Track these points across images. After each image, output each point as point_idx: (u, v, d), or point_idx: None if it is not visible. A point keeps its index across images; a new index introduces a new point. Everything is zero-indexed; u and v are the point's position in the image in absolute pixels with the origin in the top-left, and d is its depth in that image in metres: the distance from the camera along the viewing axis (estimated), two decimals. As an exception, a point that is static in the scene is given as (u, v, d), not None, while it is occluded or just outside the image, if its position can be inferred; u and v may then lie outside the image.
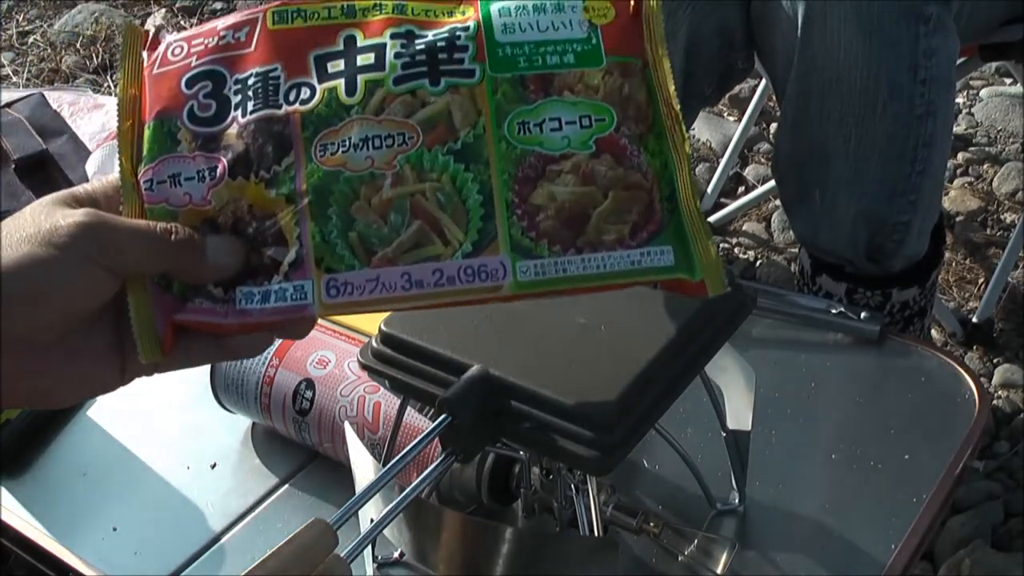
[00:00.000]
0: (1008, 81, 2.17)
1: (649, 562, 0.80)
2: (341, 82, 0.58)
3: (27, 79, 2.34)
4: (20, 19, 2.59)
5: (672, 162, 0.58)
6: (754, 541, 0.82)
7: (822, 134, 1.11)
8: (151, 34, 0.62)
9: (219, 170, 0.57)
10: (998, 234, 1.80)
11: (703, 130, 2.04)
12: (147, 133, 0.59)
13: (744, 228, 1.84)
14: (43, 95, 1.88)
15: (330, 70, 0.58)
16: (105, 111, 1.86)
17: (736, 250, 1.80)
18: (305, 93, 0.58)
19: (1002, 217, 1.84)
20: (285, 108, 0.58)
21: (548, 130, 0.57)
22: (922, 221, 1.17)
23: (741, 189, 1.91)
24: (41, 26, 2.55)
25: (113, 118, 1.85)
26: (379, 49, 0.59)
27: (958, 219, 1.82)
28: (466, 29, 0.59)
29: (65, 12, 2.59)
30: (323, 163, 0.57)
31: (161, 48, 0.62)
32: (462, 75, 0.58)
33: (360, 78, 0.58)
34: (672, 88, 0.58)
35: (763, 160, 1.97)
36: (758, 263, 1.77)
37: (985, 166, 1.96)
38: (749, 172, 1.94)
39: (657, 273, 0.56)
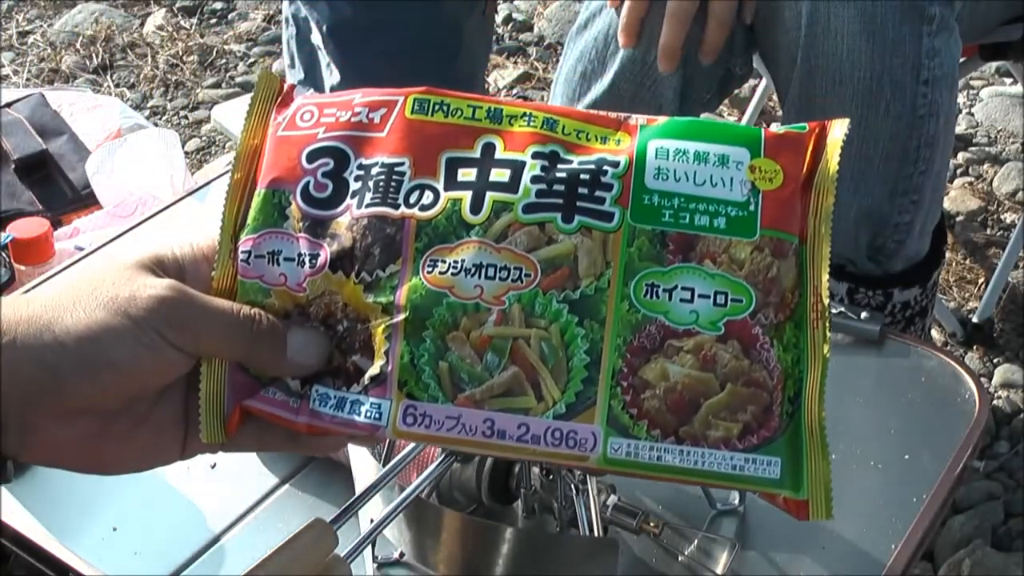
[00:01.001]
0: (1008, 81, 2.17)
1: (649, 562, 0.80)
2: (468, 195, 0.54)
3: (27, 79, 2.34)
4: (20, 19, 2.59)
5: (806, 360, 0.52)
6: (754, 541, 0.82)
7: None
8: (286, 87, 0.59)
9: (320, 259, 0.54)
10: (998, 234, 1.80)
11: (703, 130, 2.03)
12: (256, 200, 0.56)
13: (744, 228, 1.83)
14: (43, 95, 1.88)
15: (460, 177, 0.54)
16: (105, 111, 1.86)
17: (736, 250, 1.80)
18: (428, 198, 0.54)
19: (1002, 217, 1.84)
20: (402, 210, 0.54)
21: (678, 300, 0.52)
22: (924, 221, 1.17)
23: (741, 189, 1.91)
24: (41, 26, 2.56)
25: (113, 117, 1.86)
26: (517, 167, 0.54)
27: (958, 219, 1.82)
28: (616, 164, 0.54)
29: (65, 12, 2.59)
30: (429, 280, 0.53)
31: (292, 108, 0.58)
32: (599, 217, 0.53)
33: (489, 196, 0.53)
34: (825, 277, 0.53)
35: (763, 160, 1.97)
36: (758, 263, 1.77)
37: (985, 166, 1.96)
38: (749, 172, 1.94)
39: (759, 484, 0.51)
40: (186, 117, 2.24)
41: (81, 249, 1.33)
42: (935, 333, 1.60)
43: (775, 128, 0.56)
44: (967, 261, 1.76)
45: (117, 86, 2.34)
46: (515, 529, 0.72)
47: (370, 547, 0.80)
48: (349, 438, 0.55)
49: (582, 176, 0.54)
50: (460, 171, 0.55)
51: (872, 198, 1.13)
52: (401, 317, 0.52)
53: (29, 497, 0.90)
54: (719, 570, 0.77)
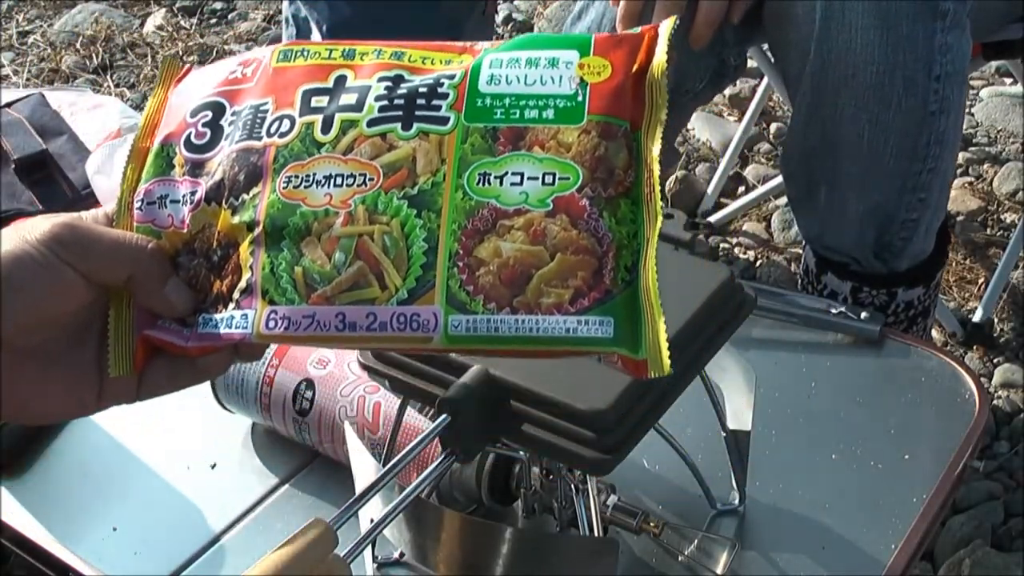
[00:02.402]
0: (1008, 81, 2.17)
1: (649, 562, 0.80)
2: (319, 119, 0.58)
3: (27, 79, 2.34)
4: (20, 19, 2.58)
5: (642, 232, 0.55)
6: (754, 541, 0.82)
7: (835, 129, 1.11)
8: (186, 68, 0.65)
9: (198, 195, 0.59)
10: (998, 234, 1.80)
11: (703, 130, 2.03)
12: (149, 157, 0.61)
13: (744, 228, 1.84)
14: (43, 95, 1.88)
15: (313, 104, 0.59)
16: (105, 111, 1.86)
17: (736, 250, 1.80)
18: (285, 126, 0.59)
19: (1002, 217, 1.84)
20: (264, 140, 0.59)
21: (508, 184, 0.55)
22: (930, 219, 1.17)
23: (741, 189, 1.91)
24: (41, 26, 2.55)
25: (113, 117, 1.87)
26: (362, 91, 0.59)
27: (958, 219, 1.82)
28: (451, 77, 0.58)
29: (65, 12, 2.59)
30: (284, 195, 0.57)
31: (187, 78, 0.64)
32: (435, 122, 0.57)
33: (337, 117, 0.58)
34: (656, 157, 0.55)
35: (763, 160, 1.97)
36: (758, 263, 1.77)
37: (985, 166, 1.96)
38: (749, 172, 1.94)
39: (593, 344, 0.53)
40: (186, 117, 2.24)
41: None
42: (935, 333, 1.60)
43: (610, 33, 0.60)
44: (967, 261, 1.76)
45: (117, 86, 2.34)
46: (515, 529, 0.72)
47: (370, 547, 0.80)
48: (232, 351, 0.59)
49: (420, 89, 0.58)
50: (313, 99, 0.60)
51: (880, 194, 1.13)
52: (260, 230, 0.57)
53: (29, 497, 0.90)
54: (719, 570, 0.77)
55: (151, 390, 0.60)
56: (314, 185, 0.57)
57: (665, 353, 0.53)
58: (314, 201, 0.57)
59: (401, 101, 0.58)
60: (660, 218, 0.54)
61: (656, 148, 0.55)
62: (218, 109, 0.61)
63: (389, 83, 0.59)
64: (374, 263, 0.55)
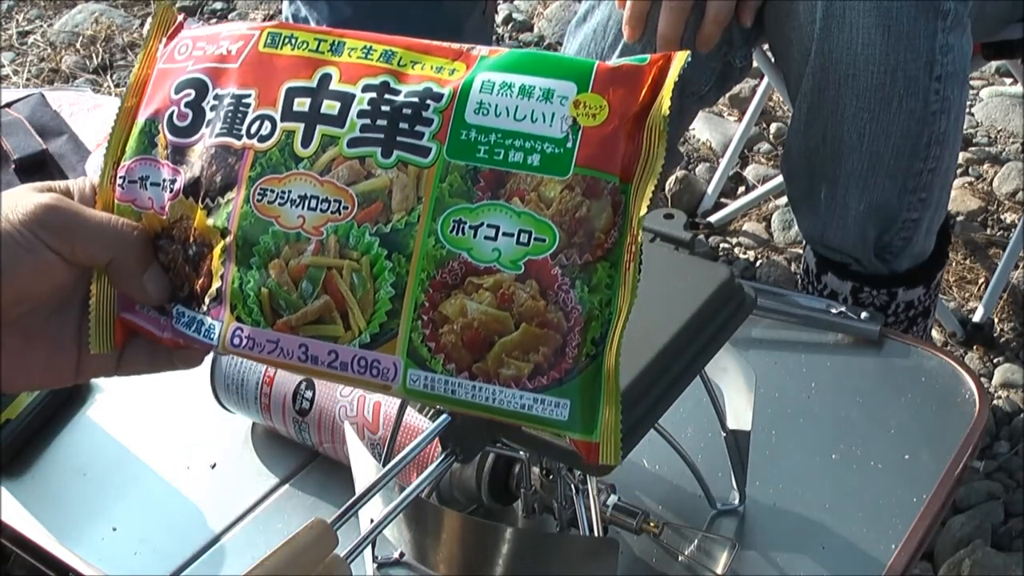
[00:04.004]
0: (1008, 81, 2.17)
1: (649, 562, 0.80)
2: (300, 128, 0.56)
3: (27, 79, 2.34)
4: (20, 19, 2.58)
5: (615, 301, 0.52)
6: (754, 541, 0.82)
7: (836, 129, 1.11)
8: (178, 21, 0.63)
9: (177, 185, 0.58)
10: (998, 234, 1.80)
11: (703, 130, 2.03)
12: (134, 130, 0.60)
13: (744, 228, 1.83)
14: (43, 95, 1.88)
15: (295, 107, 0.57)
16: (105, 111, 1.85)
17: (736, 250, 1.80)
18: (266, 128, 0.57)
19: (1002, 217, 1.84)
20: (244, 140, 0.57)
21: (482, 237, 0.53)
22: (931, 219, 1.17)
23: (741, 189, 1.91)
24: (41, 26, 2.55)
25: (113, 117, 1.84)
26: (346, 100, 0.56)
27: (958, 219, 1.82)
28: (439, 97, 0.55)
29: (65, 12, 2.59)
30: (258, 209, 0.56)
31: (175, 41, 0.62)
32: (416, 152, 0.54)
33: (319, 129, 0.56)
34: (642, 220, 0.52)
35: (763, 160, 1.97)
36: (758, 263, 1.77)
37: (985, 166, 1.96)
38: (749, 172, 1.94)
39: (547, 424, 0.53)
40: (186, 117, 2.24)
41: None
42: (935, 333, 1.60)
43: (613, 62, 0.55)
44: (967, 261, 1.76)
45: (117, 86, 2.34)
46: (515, 529, 0.72)
47: (370, 547, 0.80)
48: (204, 352, 0.60)
49: (404, 111, 0.55)
50: (296, 100, 0.57)
51: (881, 194, 1.13)
52: (231, 241, 0.56)
53: (29, 497, 0.90)
54: (719, 570, 0.77)
55: (130, 368, 0.60)
56: (288, 204, 0.55)
57: (618, 442, 0.52)
58: (287, 222, 0.55)
59: (384, 122, 0.55)
60: (636, 289, 0.52)
61: (644, 207, 0.52)
62: (201, 88, 0.59)
63: (373, 94, 0.56)
64: (340, 300, 0.54)
